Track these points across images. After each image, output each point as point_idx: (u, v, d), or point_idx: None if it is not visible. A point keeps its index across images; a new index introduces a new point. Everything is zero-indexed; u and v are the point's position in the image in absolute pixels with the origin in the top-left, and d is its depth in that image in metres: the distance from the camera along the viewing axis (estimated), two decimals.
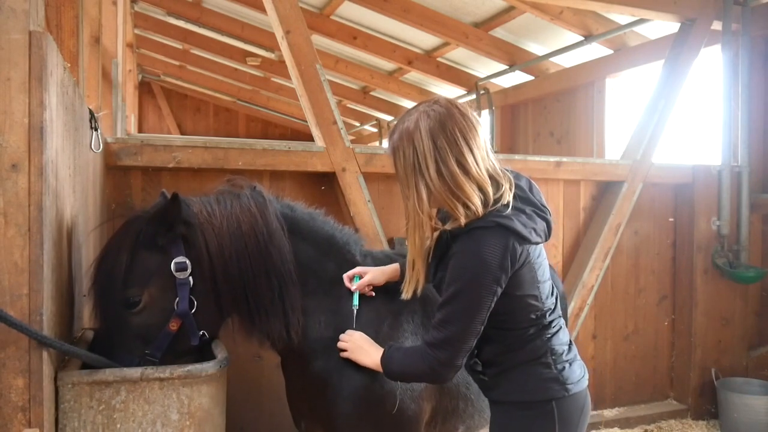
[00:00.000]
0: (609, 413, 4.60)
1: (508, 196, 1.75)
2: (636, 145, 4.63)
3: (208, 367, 1.86)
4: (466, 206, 1.73)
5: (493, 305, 1.75)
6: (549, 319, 1.87)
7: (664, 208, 4.87)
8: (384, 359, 1.93)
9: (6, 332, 1.51)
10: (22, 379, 1.53)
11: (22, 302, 1.52)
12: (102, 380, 1.74)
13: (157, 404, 1.79)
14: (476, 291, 1.71)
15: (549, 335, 1.87)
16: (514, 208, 1.76)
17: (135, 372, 1.77)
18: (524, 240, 1.73)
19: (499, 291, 1.73)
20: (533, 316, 1.84)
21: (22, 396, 1.53)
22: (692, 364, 4.73)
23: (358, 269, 2.18)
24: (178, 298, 1.90)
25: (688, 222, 4.78)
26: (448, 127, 1.73)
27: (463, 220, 1.73)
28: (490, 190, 1.74)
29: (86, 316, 2.42)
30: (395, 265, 2.24)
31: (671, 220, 4.78)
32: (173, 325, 1.90)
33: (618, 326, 4.72)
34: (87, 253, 2.45)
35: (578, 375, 1.89)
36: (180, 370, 1.81)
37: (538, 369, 1.84)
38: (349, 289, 2.15)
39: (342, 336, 2.08)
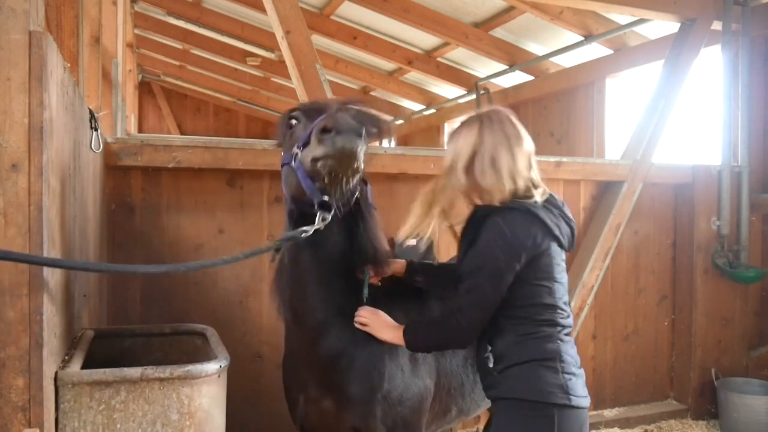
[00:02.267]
0: (609, 413, 4.61)
1: (539, 198, 2.02)
2: (636, 145, 4.63)
3: (208, 367, 1.86)
4: (500, 191, 1.99)
5: (511, 280, 1.94)
6: (563, 323, 2.01)
7: (664, 208, 4.87)
8: (407, 332, 2.09)
9: (6, 332, 1.51)
10: (22, 379, 1.53)
11: (22, 302, 1.52)
12: (102, 380, 1.74)
13: (157, 404, 1.79)
14: (499, 264, 1.92)
15: (561, 341, 1.98)
16: (544, 207, 2.03)
17: (135, 372, 1.77)
18: (548, 229, 1.97)
19: (518, 268, 1.93)
20: (547, 314, 1.98)
21: (22, 396, 1.53)
22: (692, 364, 4.73)
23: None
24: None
25: (688, 222, 4.78)
26: (500, 128, 2.02)
27: (497, 202, 1.99)
28: (521, 185, 2.01)
29: (86, 316, 2.43)
30: (402, 261, 2.37)
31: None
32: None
33: (618, 326, 4.72)
34: (87, 253, 2.45)
35: (582, 392, 1.96)
36: (180, 370, 1.81)
37: (545, 371, 1.92)
38: (361, 280, 2.25)
39: (363, 312, 2.16)
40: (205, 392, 1.86)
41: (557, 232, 1.99)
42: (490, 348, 2.03)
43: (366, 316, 2.16)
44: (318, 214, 1.96)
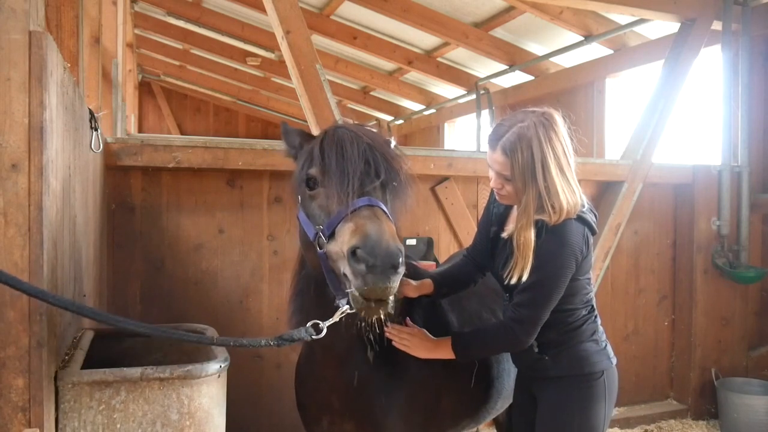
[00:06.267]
0: None
1: (585, 200, 2.13)
2: (636, 145, 4.63)
3: (208, 368, 1.86)
4: (567, 203, 2.01)
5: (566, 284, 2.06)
6: (592, 302, 2.25)
7: (664, 208, 4.87)
8: (458, 345, 2.13)
9: (6, 332, 1.51)
10: (22, 379, 1.53)
11: (22, 302, 1.52)
12: (102, 380, 1.73)
13: (157, 404, 1.79)
14: (560, 276, 2.02)
15: (594, 316, 2.24)
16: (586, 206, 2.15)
17: (135, 372, 1.77)
18: (593, 231, 2.12)
19: (573, 272, 2.05)
20: (586, 299, 2.19)
21: (22, 396, 1.53)
22: (692, 364, 4.73)
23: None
24: None
25: (688, 222, 4.78)
26: (558, 138, 2.03)
27: (563, 216, 2.02)
28: (579, 190, 2.10)
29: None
30: (428, 280, 2.34)
31: None
32: None
33: (618, 326, 4.72)
34: (87, 253, 2.45)
35: (612, 353, 2.25)
36: (180, 370, 1.81)
37: (590, 346, 2.18)
38: None
39: (398, 333, 2.11)
40: (205, 392, 1.85)
41: (596, 227, 2.14)
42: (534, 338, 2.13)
43: (405, 337, 2.11)
44: (339, 307, 1.82)
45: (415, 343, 2.12)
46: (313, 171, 1.90)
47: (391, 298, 1.67)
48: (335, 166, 1.83)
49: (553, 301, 2.06)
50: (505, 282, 2.13)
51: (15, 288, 1.40)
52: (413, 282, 2.29)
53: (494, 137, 2.08)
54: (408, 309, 2.25)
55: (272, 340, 1.79)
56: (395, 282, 1.63)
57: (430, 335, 2.16)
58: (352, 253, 1.63)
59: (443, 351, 2.14)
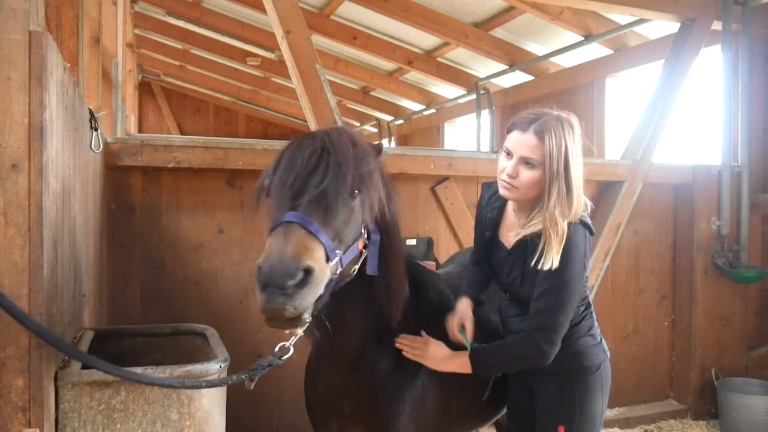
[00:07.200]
0: (609, 413, 4.60)
1: (588, 203, 2.16)
2: (636, 145, 4.63)
3: (208, 367, 1.86)
4: (577, 206, 2.05)
5: None
6: (589, 299, 2.28)
7: (664, 208, 4.87)
8: (476, 359, 2.12)
9: (6, 332, 1.51)
10: (22, 379, 1.53)
11: (22, 302, 1.52)
12: (102, 380, 1.73)
13: (157, 404, 1.79)
14: (574, 278, 2.05)
15: (590, 311, 2.29)
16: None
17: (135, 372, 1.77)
18: (592, 233, 2.16)
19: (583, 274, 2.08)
20: (583, 296, 2.21)
21: (22, 396, 1.53)
22: (692, 364, 4.73)
23: (459, 319, 2.28)
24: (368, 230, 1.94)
25: (688, 222, 4.78)
26: (579, 140, 2.09)
27: (569, 218, 2.04)
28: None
29: (86, 316, 2.43)
30: (467, 302, 2.35)
31: None
32: (360, 244, 1.88)
33: (618, 326, 4.72)
34: (87, 253, 2.45)
35: (606, 347, 2.30)
36: (180, 370, 1.81)
37: (587, 340, 2.22)
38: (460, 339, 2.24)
39: (411, 343, 2.12)
40: (205, 392, 1.86)
41: (594, 229, 2.19)
42: None
43: (419, 347, 2.11)
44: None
45: (428, 353, 2.12)
46: (267, 182, 1.82)
47: (304, 315, 1.58)
48: (277, 179, 1.75)
49: (571, 307, 2.07)
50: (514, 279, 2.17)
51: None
52: (467, 311, 2.30)
53: (525, 121, 2.06)
54: (420, 318, 2.22)
55: (244, 375, 1.82)
56: (287, 304, 1.52)
57: (445, 347, 2.15)
58: (258, 266, 1.57)
59: (458, 364, 2.13)
